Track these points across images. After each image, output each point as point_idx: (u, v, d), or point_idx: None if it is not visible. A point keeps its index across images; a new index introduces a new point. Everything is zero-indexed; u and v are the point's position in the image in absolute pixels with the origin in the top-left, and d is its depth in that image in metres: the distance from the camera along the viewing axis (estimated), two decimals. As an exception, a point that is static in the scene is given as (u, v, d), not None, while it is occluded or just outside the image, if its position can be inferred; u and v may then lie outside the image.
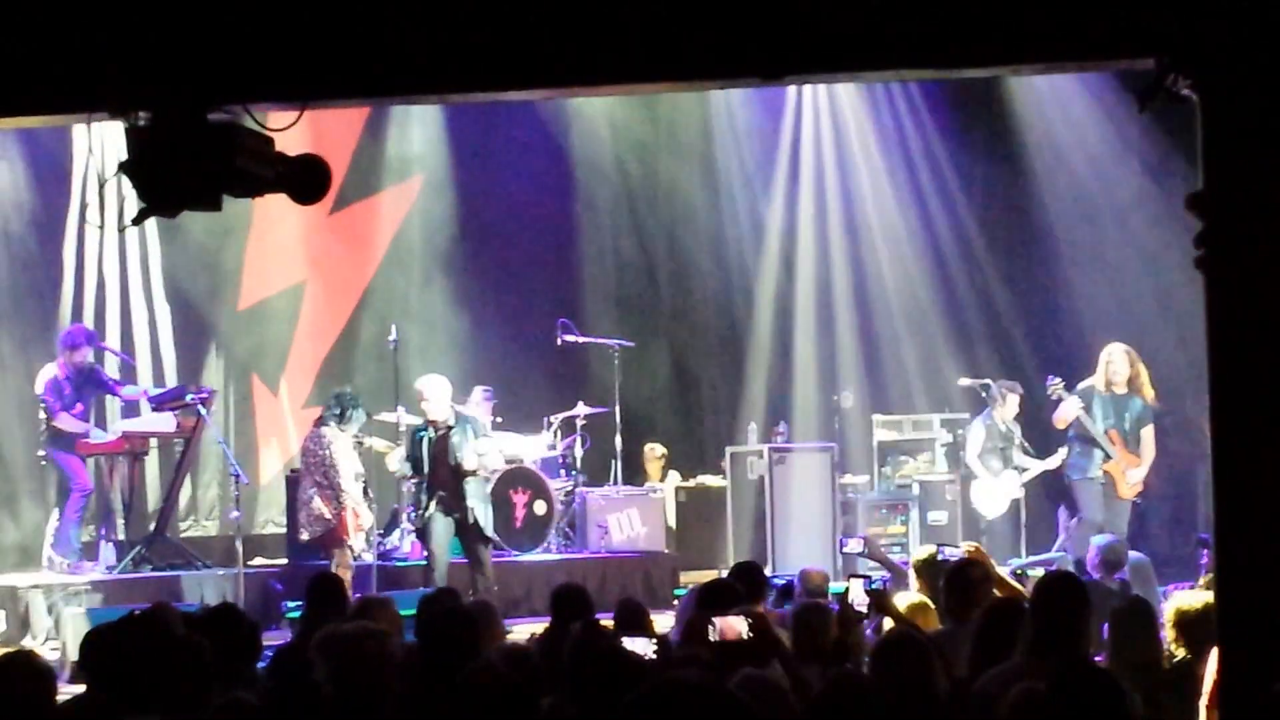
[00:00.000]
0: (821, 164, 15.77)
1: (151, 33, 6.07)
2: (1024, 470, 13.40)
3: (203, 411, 12.43)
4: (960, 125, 15.38)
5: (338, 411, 11.65)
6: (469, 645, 5.76)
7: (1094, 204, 14.99)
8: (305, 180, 6.49)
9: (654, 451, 15.11)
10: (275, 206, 8.38)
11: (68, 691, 6.05)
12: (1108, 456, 12.34)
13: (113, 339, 13.86)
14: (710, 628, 5.75)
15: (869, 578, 6.65)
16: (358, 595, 9.07)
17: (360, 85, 6.41)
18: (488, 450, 11.85)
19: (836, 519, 13.62)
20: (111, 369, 13.33)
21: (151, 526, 12.88)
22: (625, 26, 5.98)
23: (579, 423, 14.15)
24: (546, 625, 7.32)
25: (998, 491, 13.44)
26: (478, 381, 14.16)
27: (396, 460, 12.28)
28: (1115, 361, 12.36)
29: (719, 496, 14.19)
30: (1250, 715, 5.26)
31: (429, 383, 11.75)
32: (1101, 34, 5.79)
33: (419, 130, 15.40)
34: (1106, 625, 6.33)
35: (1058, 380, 12.55)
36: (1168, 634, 6.29)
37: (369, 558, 12.15)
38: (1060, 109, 14.92)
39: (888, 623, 6.73)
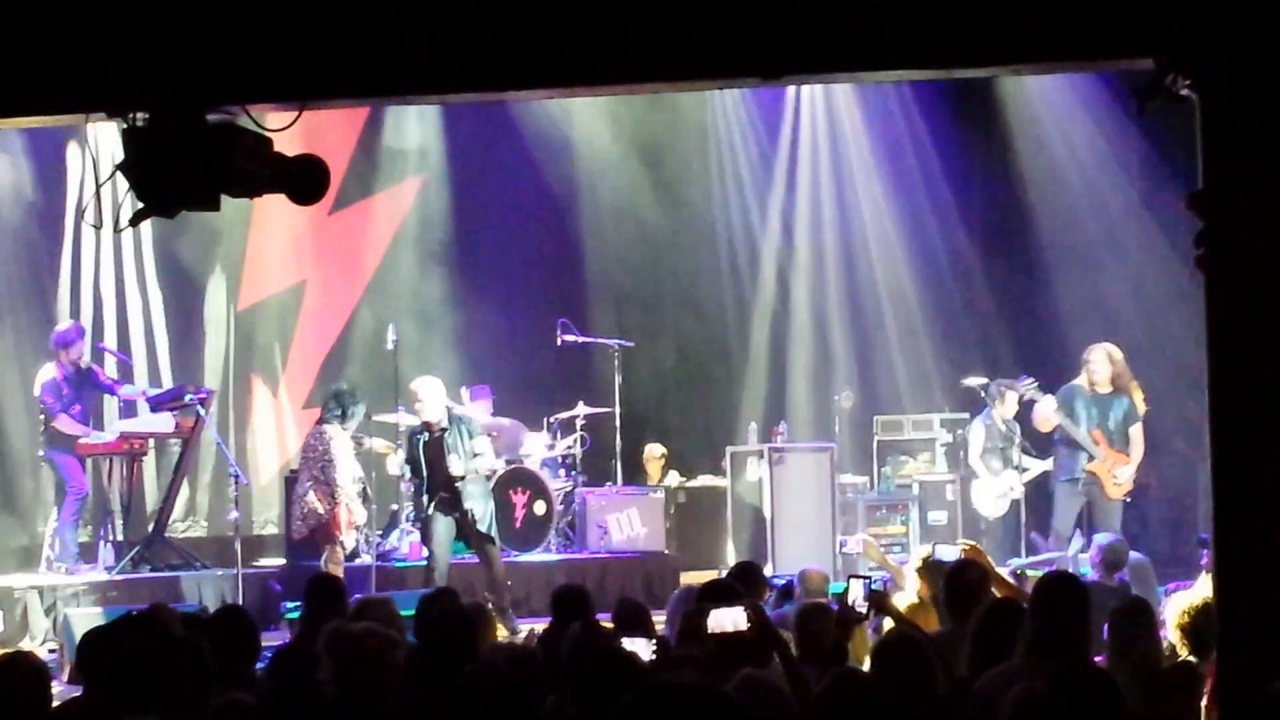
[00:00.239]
0: (819, 165, 15.76)
1: (150, 33, 6.07)
2: (1025, 470, 13.38)
3: (201, 412, 12.42)
4: (958, 126, 15.36)
5: (339, 411, 11.66)
6: (468, 645, 5.77)
7: (1091, 206, 14.96)
8: (304, 180, 6.48)
9: (654, 451, 15.08)
10: (274, 206, 8.38)
11: (67, 692, 6.05)
12: (1092, 457, 12.35)
13: (110, 339, 13.85)
14: (708, 621, 5.75)
15: (869, 578, 6.64)
16: (355, 596, 9.06)
17: (359, 85, 6.42)
18: (485, 450, 11.84)
19: (836, 519, 13.59)
20: (110, 369, 13.33)
21: (150, 527, 12.86)
22: (625, 26, 5.99)
23: (579, 422, 14.15)
24: (546, 625, 7.32)
25: (998, 491, 13.42)
26: (477, 381, 14.16)
27: (397, 464, 12.29)
28: (1095, 361, 12.38)
29: (719, 496, 14.17)
30: (1250, 715, 5.25)
31: (423, 385, 11.75)
32: (1101, 34, 5.79)
33: (418, 129, 15.37)
34: (1106, 625, 6.32)
35: (1030, 380, 12.55)
36: (1171, 634, 6.29)
37: (368, 558, 12.15)
38: (1060, 109, 14.89)
39: (888, 623, 6.72)
